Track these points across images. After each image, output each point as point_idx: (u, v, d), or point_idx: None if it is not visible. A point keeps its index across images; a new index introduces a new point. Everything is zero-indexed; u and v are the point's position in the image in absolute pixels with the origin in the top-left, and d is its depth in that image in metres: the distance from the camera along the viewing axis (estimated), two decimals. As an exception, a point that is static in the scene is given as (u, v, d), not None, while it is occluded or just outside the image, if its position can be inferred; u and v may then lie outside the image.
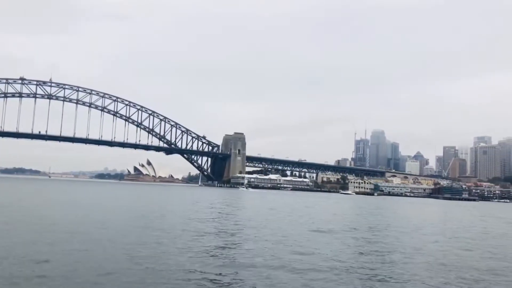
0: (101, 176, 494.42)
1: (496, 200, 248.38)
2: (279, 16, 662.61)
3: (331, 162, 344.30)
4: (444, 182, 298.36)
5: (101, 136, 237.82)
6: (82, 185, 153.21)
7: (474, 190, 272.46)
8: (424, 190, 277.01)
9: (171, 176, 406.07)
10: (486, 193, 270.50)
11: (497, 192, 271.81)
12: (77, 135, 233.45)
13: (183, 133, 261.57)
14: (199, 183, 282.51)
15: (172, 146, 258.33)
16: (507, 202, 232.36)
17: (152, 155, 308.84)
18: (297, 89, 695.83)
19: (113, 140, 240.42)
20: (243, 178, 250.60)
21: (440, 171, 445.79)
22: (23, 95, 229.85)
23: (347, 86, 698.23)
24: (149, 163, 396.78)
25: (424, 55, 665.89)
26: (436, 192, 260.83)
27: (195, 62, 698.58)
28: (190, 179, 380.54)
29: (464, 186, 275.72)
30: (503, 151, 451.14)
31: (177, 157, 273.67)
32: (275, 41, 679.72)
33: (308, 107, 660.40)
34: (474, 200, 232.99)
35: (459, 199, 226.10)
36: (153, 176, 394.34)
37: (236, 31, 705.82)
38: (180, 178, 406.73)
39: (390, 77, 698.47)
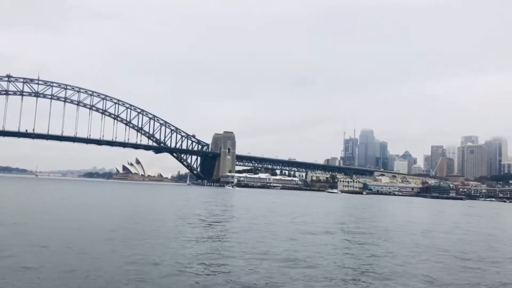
0: (89, 175, 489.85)
1: (482, 199, 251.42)
2: (272, 16, 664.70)
3: (321, 161, 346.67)
4: (432, 181, 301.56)
5: (90, 135, 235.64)
6: (68, 184, 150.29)
7: (461, 189, 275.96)
8: (412, 189, 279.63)
9: (160, 175, 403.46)
10: (473, 192, 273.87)
11: (483, 191, 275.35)
12: (65, 134, 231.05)
13: (173, 132, 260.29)
14: (187, 182, 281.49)
15: (161, 145, 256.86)
16: (493, 200, 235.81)
17: (141, 154, 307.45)
18: (289, 89, 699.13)
19: (101, 138, 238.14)
20: (232, 177, 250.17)
21: (428, 170, 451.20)
22: (9, 92, 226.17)
23: (338, 86, 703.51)
24: (138, 162, 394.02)
25: (414, 56, 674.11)
26: (424, 191, 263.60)
27: (187, 61, 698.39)
28: (180, 178, 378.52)
29: (451, 185, 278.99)
30: (489, 150, 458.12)
31: (166, 156, 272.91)
32: (267, 40, 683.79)
33: (298, 107, 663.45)
34: (461, 199, 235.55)
35: (446, 198, 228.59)
36: (142, 175, 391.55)
37: (228, 31, 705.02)
38: (169, 177, 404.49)
39: (380, 77, 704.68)
